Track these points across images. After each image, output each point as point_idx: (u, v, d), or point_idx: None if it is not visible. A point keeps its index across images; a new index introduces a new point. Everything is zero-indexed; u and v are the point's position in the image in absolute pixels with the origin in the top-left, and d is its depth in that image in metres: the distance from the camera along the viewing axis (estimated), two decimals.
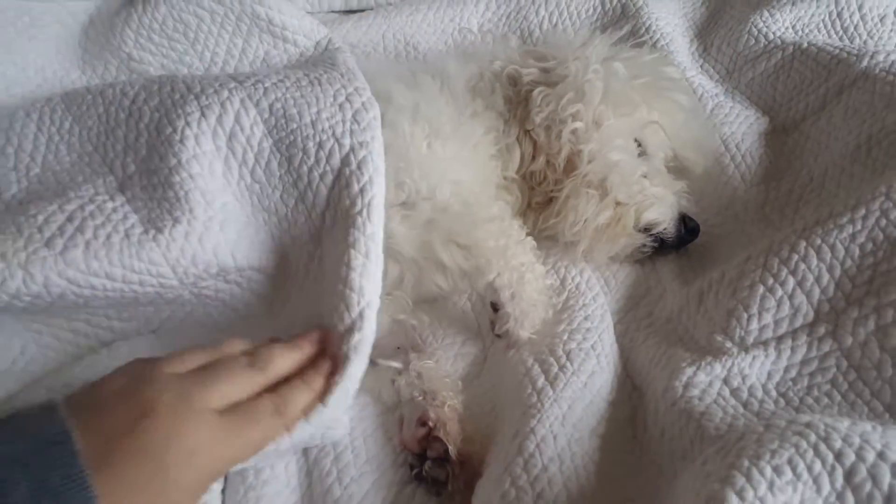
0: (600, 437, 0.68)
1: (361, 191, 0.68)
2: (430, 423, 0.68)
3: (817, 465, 0.51)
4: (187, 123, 0.69)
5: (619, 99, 0.88)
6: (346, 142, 0.70)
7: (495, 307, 0.79)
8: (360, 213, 0.67)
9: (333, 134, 0.70)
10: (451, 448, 0.66)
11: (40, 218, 0.64)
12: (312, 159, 0.70)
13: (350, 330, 0.62)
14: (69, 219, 0.65)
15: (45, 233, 0.63)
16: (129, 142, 0.71)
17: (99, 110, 0.74)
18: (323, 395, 0.59)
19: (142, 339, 0.76)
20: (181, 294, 0.70)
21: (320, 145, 0.70)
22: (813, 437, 0.53)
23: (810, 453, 0.52)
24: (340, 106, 0.73)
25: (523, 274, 0.77)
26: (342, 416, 0.63)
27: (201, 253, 0.68)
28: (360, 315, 0.62)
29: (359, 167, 0.69)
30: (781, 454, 0.52)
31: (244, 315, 0.74)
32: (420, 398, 0.71)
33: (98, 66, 1.05)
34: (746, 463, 0.52)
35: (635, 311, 0.84)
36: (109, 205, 0.67)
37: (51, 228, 0.64)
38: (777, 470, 0.51)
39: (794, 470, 0.51)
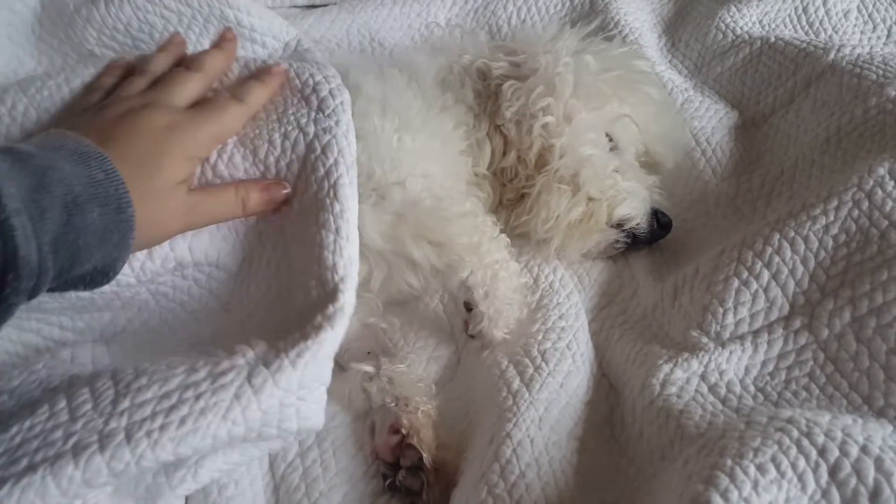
0: (578, 439, 0.66)
1: (327, 173, 0.65)
2: (404, 431, 0.66)
3: (801, 462, 0.50)
4: None
5: (590, 92, 0.86)
6: (311, 130, 0.68)
7: (468, 306, 0.77)
8: (327, 194, 0.64)
9: (298, 125, 0.68)
10: (425, 456, 0.64)
11: None
12: (279, 150, 0.68)
13: (324, 302, 0.59)
14: None
15: None
16: None
17: (63, 94, 0.70)
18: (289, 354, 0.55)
19: (93, 348, 0.72)
20: (138, 292, 0.68)
21: (285, 135, 0.68)
22: (795, 434, 0.52)
23: (794, 450, 0.51)
24: (306, 98, 0.71)
25: (497, 272, 0.75)
26: (316, 393, 0.59)
27: (157, 247, 0.65)
28: (336, 289, 0.59)
29: (323, 151, 0.67)
30: (764, 452, 0.51)
31: (201, 318, 0.70)
32: (392, 404, 0.68)
33: (56, 59, 1.01)
34: (729, 462, 0.50)
35: (609, 308, 0.83)
36: None
37: None
38: (761, 468, 0.49)
39: (777, 468, 0.49)
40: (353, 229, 0.64)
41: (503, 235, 0.80)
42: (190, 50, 1.06)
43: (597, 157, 0.84)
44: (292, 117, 0.69)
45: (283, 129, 0.68)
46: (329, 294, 0.60)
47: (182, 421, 0.50)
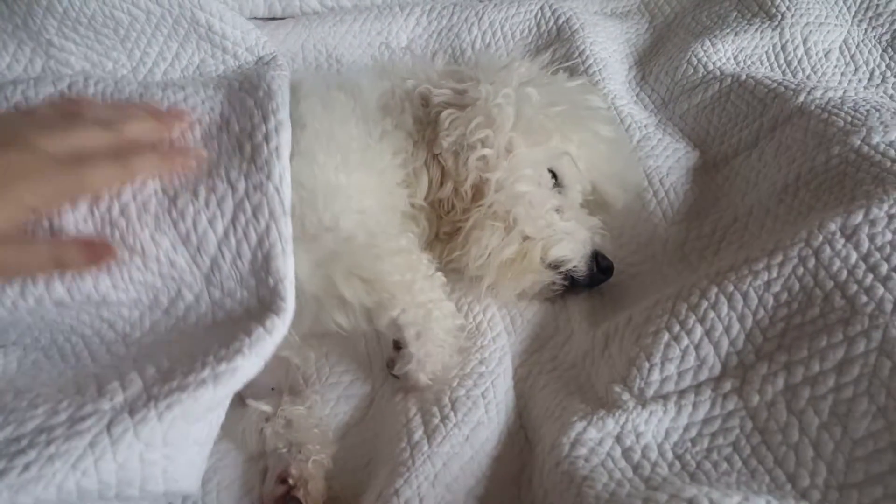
0: (478, 498, 0.61)
1: (259, 243, 0.62)
2: (291, 481, 0.61)
3: None
4: None
5: (531, 126, 0.82)
6: (241, 186, 0.63)
7: (398, 345, 0.72)
8: (262, 267, 0.61)
9: (227, 178, 0.63)
10: None
11: None
12: (201, 202, 0.63)
13: (220, 358, 0.55)
14: None
15: None
16: None
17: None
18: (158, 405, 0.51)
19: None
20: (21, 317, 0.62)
21: (212, 189, 0.63)
22: None
23: None
24: (240, 146, 0.66)
25: (431, 311, 0.70)
26: (188, 454, 0.54)
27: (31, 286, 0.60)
28: (237, 352, 0.56)
29: (254, 214, 0.62)
30: None
31: (94, 345, 0.66)
32: (284, 450, 0.64)
33: (10, 45, 0.96)
34: None
35: (540, 353, 0.78)
36: None
37: None
38: None
39: None
40: (289, 304, 0.60)
41: (438, 274, 0.76)
42: (155, 50, 1.05)
43: (533, 195, 0.80)
44: (222, 170, 0.64)
45: (210, 182, 0.63)
46: (227, 355, 0.56)
47: (26, 467, 0.47)
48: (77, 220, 0.60)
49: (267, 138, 0.65)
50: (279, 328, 0.58)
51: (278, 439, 0.65)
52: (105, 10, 0.94)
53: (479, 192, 0.81)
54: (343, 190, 0.74)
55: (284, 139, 0.66)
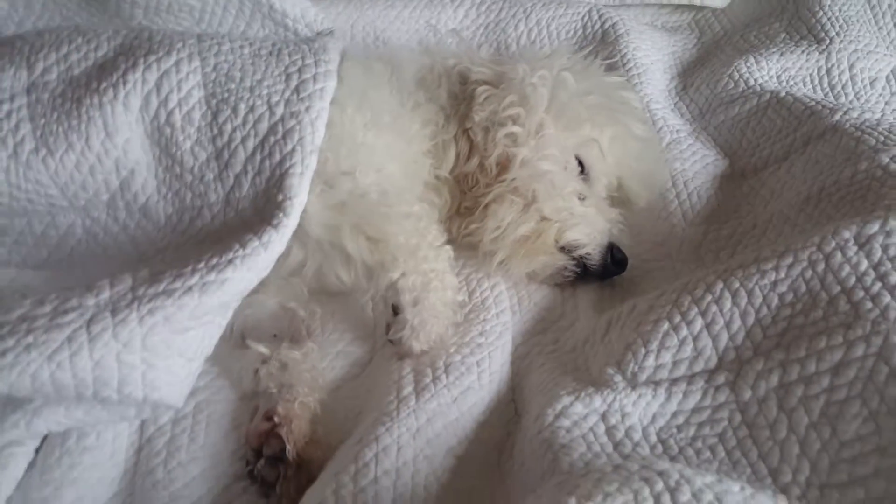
0: (457, 457, 0.62)
1: (280, 161, 0.66)
2: (276, 419, 0.63)
3: None
4: (128, 58, 0.69)
5: (563, 111, 0.83)
6: (279, 111, 0.68)
7: (396, 310, 0.73)
8: (274, 183, 0.65)
9: (268, 101, 0.68)
10: (288, 448, 0.61)
11: None
12: (239, 120, 0.68)
13: (219, 263, 0.58)
14: None
15: None
16: (70, 59, 0.70)
17: (62, 32, 0.73)
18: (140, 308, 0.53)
19: (29, 272, 0.72)
20: (73, 222, 0.69)
21: (251, 109, 0.68)
22: (659, 486, 0.47)
23: (649, 502, 0.46)
24: (287, 76, 0.71)
25: (430, 280, 0.71)
26: (169, 362, 0.56)
27: (91, 182, 0.67)
28: (228, 263, 0.58)
29: (283, 137, 0.67)
30: (615, 498, 0.46)
31: (113, 259, 0.69)
32: (275, 391, 0.66)
33: (109, 29, 1.05)
34: (573, 501, 0.45)
35: (543, 335, 0.78)
36: (5, 107, 0.65)
37: None
38: None
39: None
40: (291, 221, 0.63)
41: (447, 247, 0.77)
42: (225, 29, 1.11)
43: (556, 175, 0.81)
44: (265, 91, 0.69)
45: (251, 101, 0.68)
46: (218, 264, 0.58)
47: (2, 353, 0.49)
48: (130, 121, 0.66)
49: (315, 78, 0.70)
50: (275, 243, 0.61)
51: (271, 380, 0.67)
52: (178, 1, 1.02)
53: (503, 168, 0.82)
54: (368, 147, 0.77)
55: (330, 86, 0.71)
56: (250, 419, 0.66)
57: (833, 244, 0.66)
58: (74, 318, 0.51)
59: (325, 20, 1.07)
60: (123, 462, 0.62)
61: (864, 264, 0.64)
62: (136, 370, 0.52)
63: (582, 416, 0.61)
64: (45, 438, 0.60)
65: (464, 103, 0.86)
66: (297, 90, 0.70)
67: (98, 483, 0.59)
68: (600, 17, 1.19)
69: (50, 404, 0.53)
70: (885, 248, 0.64)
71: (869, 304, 0.60)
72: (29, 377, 0.49)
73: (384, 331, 0.76)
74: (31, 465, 0.57)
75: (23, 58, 0.70)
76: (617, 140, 0.87)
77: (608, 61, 1.03)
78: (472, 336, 0.72)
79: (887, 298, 0.60)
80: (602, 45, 1.15)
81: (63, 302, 0.52)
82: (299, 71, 0.72)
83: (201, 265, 0.57)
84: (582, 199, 0.84)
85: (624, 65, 1.09)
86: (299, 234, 0.71)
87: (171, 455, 0.62)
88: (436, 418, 0.62)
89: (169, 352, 0.54)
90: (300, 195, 0.66)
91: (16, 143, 0.65)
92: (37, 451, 0.59)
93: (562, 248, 0.81)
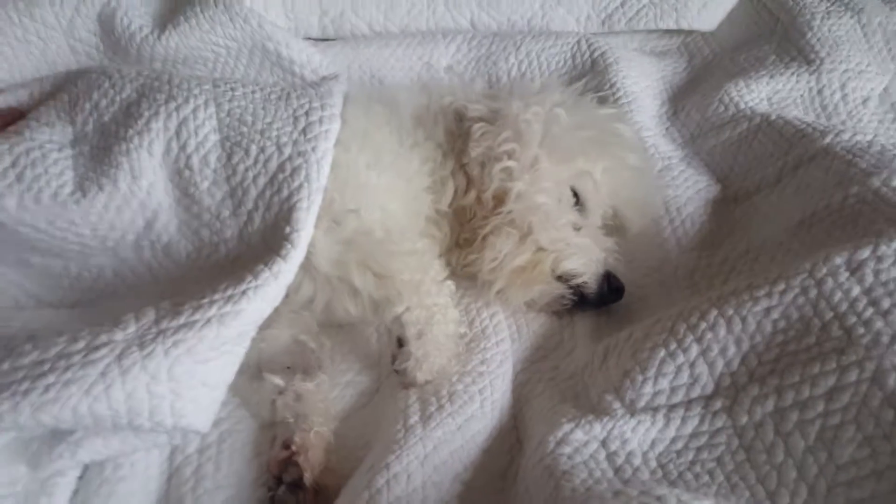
0: (464, 484, 0.64)
1: (288, 196, 0.70)
2: (293, 448, 0.66)
3: None
4: (151, 104, 0.74)
5: (557, 145, 0.86)
6: (287, 150, 0.72)
7: (401, 342, 0.76)
8: (283, 217, 0.68)
9: (277, 142, 0.73)
10: (306, 475, 0.64)
11: None
12: (251, 160, 0.72)
13: (231, 298, 0.61)
14: (13, 164, 0.69)
15: None
16: (100, 106, 0.75)
17: (91, 77, 0.79)
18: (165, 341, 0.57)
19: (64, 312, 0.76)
20: (104, 263, 0.73)
21: (262, 149, 0.73)
22: None
23: None
24: (295, 119, 0.76)
25: (434, 314, 0.74)
26: (194, 392, 0.59)
27: (118, 222, 0.71)
28: (242, 295, 0.62)
29: (291, 174, 0.71)
30: None
31: (139, 294, 0.73)
32: (291, 420, 0.68)
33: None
34: None
35: (542, 362, 0.80)
36: (54, 155, 0.71)
37: None
38: None
39: None
40: (298, 252, 0.67)
41: (449, 282, 0.80)
42: (239, 76, 1.16)
43: (550, 207, 0.83)
44: (275, 133, 0.73)
45: (261, 143, 0.73)
46: (233, 296, 0.61)
47: (46, 389, 0.53)
48: (154, 166, 0.71)
49: (321, 121, 0.75)
50: (285, 273, 0.64)
51: (287, 410, 0.70)
52: (193, 54, 1.09)
53: (499, 201, 0.85)
54: (371, 188, 0.80)
55: (334, 128, 0.75)
56: (270, 447, 0.69)
57: (824, 270, 0.68)
58: (106, 354, 0.55)
59: (329, 65, 1.13)
60: (156, 490, 0.66)
61: (856, 290, 0.65)
62: (165, 400, 0.56)
63: (583, 443, 0.63)
64: (85, 468, 0.63)
65: (460, 140, 0.89)
66: (304, 132, 0.75)
67: None
68: (589, 46, 1.22)
69: (89, 436, 0.58)
70: (876, 274, 0.66)
71: (861, 330, 0.62)
72: (70, 410, 0.53)
73: (390, 361, 0.78)
74: (75, 493, 0.61)
75: (66, 112, 0.76)
76: (610, 171, 0.90)
77: (599, 94, 1.05)
78: (474, 365, 0.75)
79: (880, 323, 0.62)
80: (592, 75, 1.17)
81: (94, 338, 0.56)
82: (306, 114, 0.77)
83: (217, 296, 0.60)
84: (577, 229, 0.86)
85: (614, 94, 1.11)
86: (309, 269, 0.75)
87: (199, 483, 0.65)
88: (442, 446, 0.65)
89: (193, 381, 0.58)
90: (307, 228, 0.69)
91: (58, 185, 0.69)
92: (79, 478, 0.62)
93: (559, 277, 0.83)
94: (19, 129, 0.74)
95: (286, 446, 0.66)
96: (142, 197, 0.71)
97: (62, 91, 0.79)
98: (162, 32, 1.05)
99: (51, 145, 0.72)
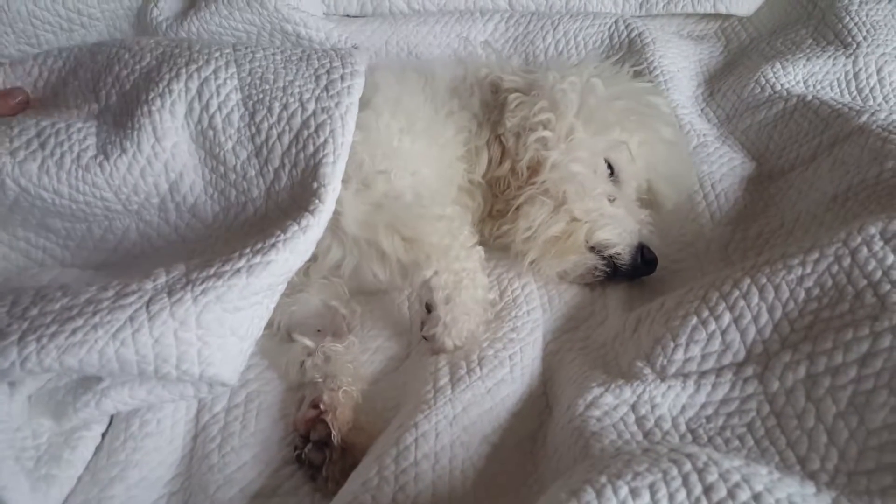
0: (492, 445, 0.65)
1: (314, 152, 0.70)
2: (322, 406, 0.67)
3: (681, 495, 0.47)
4: (171, 67, 0.74)
5: (592, 116, 0.86)
6: (311, 107, 0.72)
7: (429, 308, 0.77)
8: (310, 173, 0.68)
9: (300, 99, 0.73)
10: (334, 433, 0.64)
11: (16, 129, 0.71)
12: (274, 118, 0.73)
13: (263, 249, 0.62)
14: (38, 134, 0.71)
15: (15, 143, 0.70)
16: (121, 77, 0.77)
17: (111, 51, 0.80)
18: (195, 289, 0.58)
19: (90, 272, 0.78)
20: (128, 225, 0.75)
21: (285, 107, 0.73)
22: (687, 467, 0.49)
23: (677, 482, 0.48)
24: (317, 77, 0.76)
25: (462, 279, 0.75)
26: (221, 340, 0.60)
27: (142, 185, 0.72)
28: (272, 247, 0.62)
29: (316, 130, 0.71)
30: (645, 477, 0.48)
31: (165, 255, 0.74)
32: (320, 380, 0.70)
33: None
34: (603, 479, 0.48)
35: (573, 332, 0.80)
36: (77, 125, 0.72)
37: (20, 139, 0.70)
38: (634, 492, 0.47)
39: (653, 495, 0.47)
40: (327, 206, 0.67)
41: (479, 247, 0.80)
42: None
43: (585, 177, 0.83)
44: (297, 90, 0.73)
45: (284, 100, 0.73)
46: (263, 248, 0.62)
47: (73, 332, 0.53)
48: (176, 127, 0.72)
49: (342, 78, 0.75)
50: (313, 227, 0.65)
51: (316, 371, 0.71)
52: (215, 38, 1.11)
53: (534, 171, 0.85)
54: (403, 151, 0.81)
55: (357, 83, 0.75)
56: (297, 408, 0.70)
57: (859, 240, 0.67)
58: (135, 300, 0.56)
59: (349, 39, 1.15)
60: (181, 447, 0.67)
61: (891, 258, 0.65)
62: (193, 347, 0.57)
63: (612, 407, 0.63)
64: (110, 424, 0.65)
65: (496, 111, 0.90)
66: (326, 88, 0.75)
67: (159, 465, 0.64)
68: (626, 27, 1.22)
69: (116, 385, 0.59)
70: None
71: (895, 297, 0.62)
72: (97, 353, 0.53)
73: (419, 328, 0.79)
74: (99, 448, 0.62)
75: (90, 90, 0.77)
76: (645, 143, 0.90)
77: (636, 68, 1.05)
78: (504, 332, 0.75)
79: None
80: (629, 54, 1.17)
81: (124, 287, 0.57)
82: (328, 72, 0.77)
83: (247, 250, 0.61)
84: (612, 200, 0.86)
85: (651, 72, 1.11)
86: (337, 232, 0.76)
87: (225, 441, 0.66)
88: (471, 407, 0.65)
89: (222, 329, 0.58)
90: (333, 182, 0.70)
91: (80, 150, 0.71)
92: (103, 435, 0.64)
93: (592, 248, 0.84)
94: (48, 111, 0.76)
95: (314, 405, 0.68)
96: (165, 158, 0.72)
97: (82, 68, 0.80)
98: (184, 19, 1.08)
99: (75, 119, 0.74)
